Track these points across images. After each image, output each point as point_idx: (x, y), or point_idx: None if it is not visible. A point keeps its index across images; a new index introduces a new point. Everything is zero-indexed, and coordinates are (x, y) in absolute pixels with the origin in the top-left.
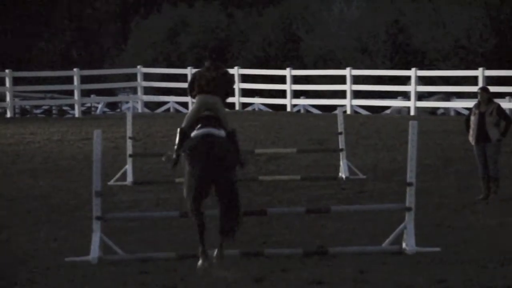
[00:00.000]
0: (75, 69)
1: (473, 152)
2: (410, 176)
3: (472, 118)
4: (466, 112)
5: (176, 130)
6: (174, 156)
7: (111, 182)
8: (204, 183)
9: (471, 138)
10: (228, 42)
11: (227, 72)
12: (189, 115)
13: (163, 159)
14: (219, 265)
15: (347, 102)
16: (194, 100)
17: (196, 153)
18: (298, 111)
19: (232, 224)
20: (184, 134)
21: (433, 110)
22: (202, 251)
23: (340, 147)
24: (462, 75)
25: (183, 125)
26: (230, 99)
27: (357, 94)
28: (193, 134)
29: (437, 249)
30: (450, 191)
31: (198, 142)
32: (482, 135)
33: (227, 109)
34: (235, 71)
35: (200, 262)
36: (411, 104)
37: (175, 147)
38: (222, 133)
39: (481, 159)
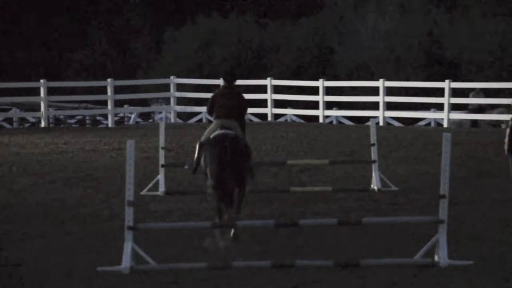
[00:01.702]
0: (108, 80)
1: (506, 164)
2: (443, 189)
3: (507, 130)
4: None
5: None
6: (194, 164)
7: (144, 192)
8: (221, 167)
9: (506, 149)
10: (261, 53)
11: (241, 96)
12: (207, 131)
13: (186, 167)
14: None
15: (380, 114)
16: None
17: (213, 144)
18: (331, 122)
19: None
20: (202, 146)
21: (497, 123)
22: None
23: (373, 158)
24: (497, 88)
25: (201, 139)
26: (262, 110)
27: (390, 106)
28: (211, 136)
29: (470, 262)
30: (484, 204)
31: (214, 137)
32: None
33: (259, 120)
34: (267, 82)
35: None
36: (445, 116)
37: (195, 156)
38: (234, 133)
39: None
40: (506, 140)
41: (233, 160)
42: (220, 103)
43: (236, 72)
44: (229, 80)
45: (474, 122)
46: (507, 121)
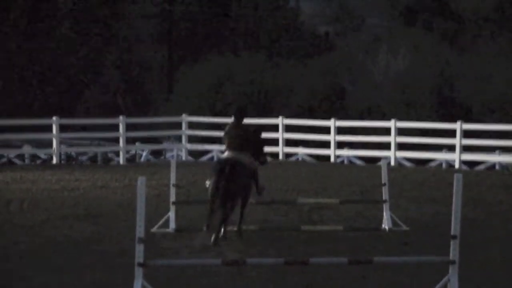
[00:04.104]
0: (120, 117)
1: None
2: (455, 229)
3: None
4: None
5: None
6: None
7: (154, 229)
8: (220, 188)
9: None
10: (273, 92)
11: (248, 131)
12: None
13: (206, 184)
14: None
15: (391, 154)
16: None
17: (217, 167)
18: (342, 162)
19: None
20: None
21: None
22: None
23: (384, 198)
24: (507, 130)
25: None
26: (274, 149)
27: (401, 146)
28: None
29: None
30: (495, 245)
31: (220, 161)
32: None
33: (270, 158)
34: (279, 121)
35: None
36: (456, 156)
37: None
38: (241, 157)
39: None
40: None
41: (230, 176)
42: (230, 139)
43: (246, 109)
44: (238, 117)
45: None
46: None
